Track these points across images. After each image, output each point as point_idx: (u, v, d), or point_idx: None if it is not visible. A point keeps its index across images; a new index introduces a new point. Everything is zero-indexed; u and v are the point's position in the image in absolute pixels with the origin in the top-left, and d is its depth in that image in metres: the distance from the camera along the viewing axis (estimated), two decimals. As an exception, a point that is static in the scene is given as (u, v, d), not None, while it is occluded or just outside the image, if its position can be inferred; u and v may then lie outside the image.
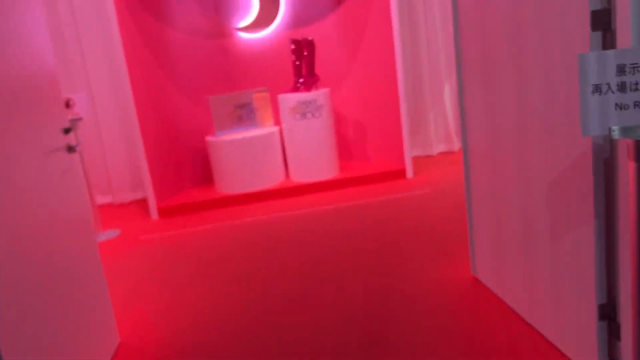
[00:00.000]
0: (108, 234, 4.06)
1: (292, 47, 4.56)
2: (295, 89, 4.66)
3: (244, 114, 4.70)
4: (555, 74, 1.53)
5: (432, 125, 5.25)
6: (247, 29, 4.95)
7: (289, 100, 4.49)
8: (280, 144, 4.73)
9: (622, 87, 1.04)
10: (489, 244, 2.28)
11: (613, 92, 1.04)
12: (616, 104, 1.05)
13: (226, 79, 5.02)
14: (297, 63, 4.61)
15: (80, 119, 3.88)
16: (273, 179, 4.63)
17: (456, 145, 5.35)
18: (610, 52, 1.04)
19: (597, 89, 1.05)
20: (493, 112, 2.05)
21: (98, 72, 4.73)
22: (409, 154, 4.58)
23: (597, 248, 1.49)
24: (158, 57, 4.63)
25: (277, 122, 4.89)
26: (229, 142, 4.49)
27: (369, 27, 4.70)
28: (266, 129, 4.73)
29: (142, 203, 4.88)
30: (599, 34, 1.30)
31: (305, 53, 4.51)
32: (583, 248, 1.55)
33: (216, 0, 4.88)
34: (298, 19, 5.01)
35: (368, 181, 4.58)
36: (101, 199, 5.06)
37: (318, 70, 4.80)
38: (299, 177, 4.64)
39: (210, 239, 3.67)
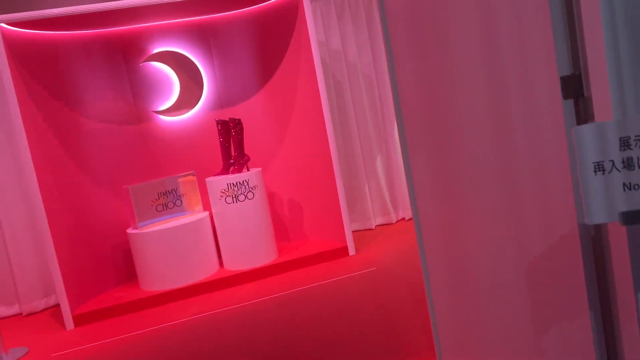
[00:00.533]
0: (12, 355, 3.44)
1: (219, 128, 4.33)
2: (225, 171, 4.38)
3: (169, 202, 4.34)
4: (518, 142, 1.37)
5: (368, 198, 5.12)
6: (168, 112, 4.69)
7: (219, 182, 4.20)
8: (211, 231, 4.37)
9: (628, 164, 0.87)
10: (456, 331, 2.04)
11: (619, 170, 0.87)
12: (624, 184, 0.88)
13: (148, 166, 4.67)
14: (226, 144, 4.37)
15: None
16: (205, 270, 4.23)
17: (393, 217, 5.23)
18: (609, 124, 0.87)
19: (600, 167, 0.88)
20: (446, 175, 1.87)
21: None
22: (349, 230, 4.37)
23: (596, 343, 1.28)
24: (70, 147, 4.23)
25: (207, 207, 4.56)
26: (153, 233, 4.09)
27: (298, 105, 4.59)
28: (194, 215, 4.37)
29: (57, 310, 4.27)
30: (571, 102, 1.16)
31: (233, 133, 4.29)
32: (578, 341, 1.34)
33: (133, 83, 4.62)
34: (223, 99, 4.83)
35: (309, 262, 4.29)
36: (6, 311, 4.39)
37: (248, 150, 4.58)
38: (235, 265, 4.27)
39: (134, 351, 3.17)
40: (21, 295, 4.33)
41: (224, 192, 4.19)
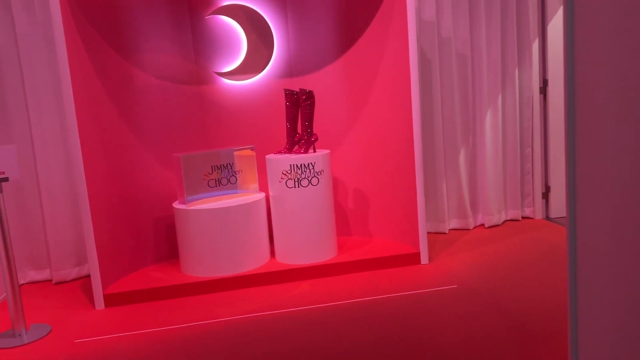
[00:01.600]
0: (32, 333, 3.02)
1: (287, 99, 3.74)
2: (289, 150, 3.81)
3: (222, 177, 3.80)
4: None
5: (445, 197, 4.45)
6: (231, 75, 4.13)
7: (281, 162, 3.63)
8: (265, 216, 3.82)
9: None
10: None
11: None
12: None
13: (202, 134, 4.15)
14: (293, 119, 3.78)
15: (5, 179, 2.92)
16: (255, 260, 3.69)
17: (471, 221, 4.54)
18: None
19: None
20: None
21: (41, 118, 3.79)
22: (424, 234, 3.73)
23: None
24: (118, 101, 3.74)
25: (263, 188, 4.01)
26: (202, 211, 3.57)
27: (380, 82, 3.94)
28: (249, 196, 3.83)
29: (87, 282, 3.85)
30: None
31: (303, 107, 3.69)
32: None
33: (196, 38, 4.07)
34: (294, 67, 4.22)
35: (374, 266, 3.69)
36: (35, 275, 4.01)
37: (316, 128, 3.98)
38: (288, 257, 3.72)
39: (167, 351, 2.67)
40: (53, 261, 3.93)
41: (285, 174, 3.61)
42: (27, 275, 4.00)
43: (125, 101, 3.78)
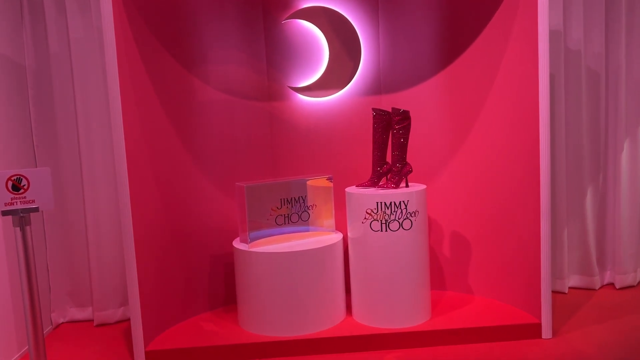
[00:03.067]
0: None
1: (376, 120, 3.04)
2: (374, 182, 3.09)
3: (292, 213, 3.14)
4: None
5: (565, 246, 3.55)
6: (308, 90, 3.48)
7: (365, 198, 2.91)
8: (342, 263, 3.11)
9: None
10: None
11: None
12: None
13: (272, 159, 3.52)
14: (381, 144, 3.07)
15: (34, 209, 2.39)
16: (329, 317, 2.98)
17: (597, 280, 3.61)
18: None
19: None
20: None
21: (89, 137, 3.30)
22: (548, 299, 2.87)
23: None
24: (177, 119, 3.18)
25: (341, 227, 3.31)
26: (265, 254, 2.91)
27: (493, 98, 3.15)
28: (323, 237, 3.14)
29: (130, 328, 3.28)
30: None
31: (396, 131, 2.97)
32: None
33: (270, 46, 3.47)
34: (384, 81, 3.52)
35: (478, 337, 2.87)
36: (77, 314, 3.50)
37: (410, 155, 3.24)
38: (369, 318, 2.98)
39: None
40: (95, 300, 3.41)
41: (370, 214, 2.89)
42: (68, 313, 3.50)
43: (184, 119, 3.22)
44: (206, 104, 3.31)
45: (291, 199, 3.12)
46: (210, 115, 3.32)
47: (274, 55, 3.47)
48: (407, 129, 2.98)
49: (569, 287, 3.63)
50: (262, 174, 3.49)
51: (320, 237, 3.14)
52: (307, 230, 3.18)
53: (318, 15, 3.42)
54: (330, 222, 3.23)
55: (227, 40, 3.35)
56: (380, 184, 3.09)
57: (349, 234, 3.04)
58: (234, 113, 3.41)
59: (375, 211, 2.88)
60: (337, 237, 3.12)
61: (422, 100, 3.43)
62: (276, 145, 3.52)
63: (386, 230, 2.88)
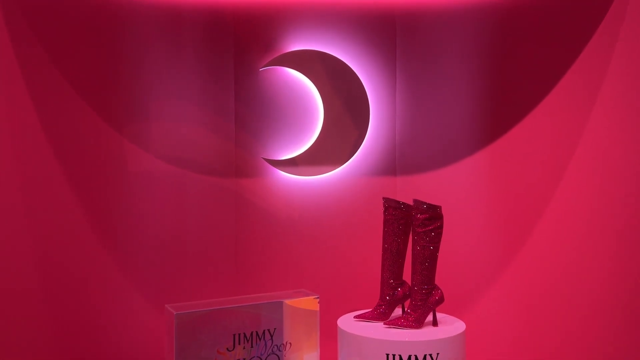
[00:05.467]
0: None
1: (388, 217, 1.98)
2: (384, 314, 1.98)
3: (253, 357, 1.99)
4: None
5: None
6: (292, 164, 2.44)
7: (369, 342, 1.78)
8: None
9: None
10: None
11: None
12: None
13: (234, 263, 2.43)
14: (394, 253, 1.98)
15: None
16: None
17: None
18: None
19: None
20: None
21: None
22: None
23: None
24: (95, 199, 2.13)
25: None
26: None
27: (568, 183, 2.08)
28: (301, 396, 1.99)
29: None
30: None
31: (418, 236, 1.89)
32: None
33: (241, 102, 2.45)
34: (401, 157, 2.48)
35: None
36: None
37: (440, 275, 2.11)
38: None
39: None
40: None
41: (376, 370, 1.76)
42: None
43: (106, 199, 2.17)
44: (144, 177, 2.27)
45: (252, 335, 1.99)
46: (147, 195, 2.27)
47: (246, 114, 2.45)
48: (437, 234, 1.90)
49: None
50: (221, 287, 2.39)
51: (296, 396, 2.00)
52: (278, 379, 2.04)
53: (311, 62, 2.43)
54: (314, 367, 2.08)
55: (180, 89, 2.36)
56: (392, 317, 1.97)
57: (340, 397, 1.90)
58: (184, 192, 2.36)
59: (384, 367, 1.75)
60: (322, 397, 1.98)
61: (456, 187, 2.36)
62: (243, 242, 2.44)
63: (401, 400, 1.74)
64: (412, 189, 2.39)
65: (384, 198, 2.02)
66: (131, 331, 2.21)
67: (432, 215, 1.88)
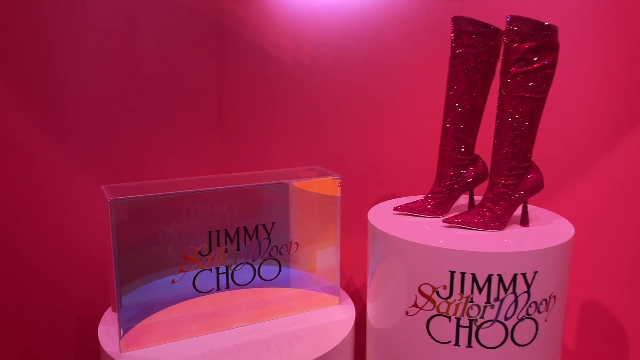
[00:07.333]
0: None
1: (461, 49, 1.18)
2: (444, 205, 1.27)
3: (238, 261, 1.34)
4: None
5: None
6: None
7: (415, 252, 1.10)
8: (352, 352, 1.35)
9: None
10: None
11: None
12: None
13: (219, 121, 1.70)
14: (467, 111, 1.23)
15: None
16: None
17: None
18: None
19: None
20: None
21: None
22: None
23: None
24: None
25: (352, 284, 1.51)
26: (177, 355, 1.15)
27: None
28: (313, 312, 1.37)
29: None
30: None
31: (512, 78, 1.10)
32: None
33: None
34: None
35: None
36: None
37: (537, 151, 1.35)
38: None
39: None
40: None
41: (428, 297, 1.09)
42: None
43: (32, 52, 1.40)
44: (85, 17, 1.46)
45: (238, 232, 1.30)
46: (95, 36, 1.48)
47: None
48: (546, 76, 1.11)
49: None
50: (204, 162, 1.69)
51: (305, 313, 1.37)
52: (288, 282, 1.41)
53: None
54: (335, 278, 1.44)
55: None
56: (454, 212, 1.27)
57: (369, 316, 1.26)
58: (137, 21, 1.56)
59: (446, 294, 1.08)
60: (346, 314, 1.35)
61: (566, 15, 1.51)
62: (226, 94, 1.69)
63: (469, 345, 1.09)
64: (489, 9, 1.55)
65: (453, 18, 1.21)
66: (81, 215, 1.56)
67: (542, 44, 1.08)
